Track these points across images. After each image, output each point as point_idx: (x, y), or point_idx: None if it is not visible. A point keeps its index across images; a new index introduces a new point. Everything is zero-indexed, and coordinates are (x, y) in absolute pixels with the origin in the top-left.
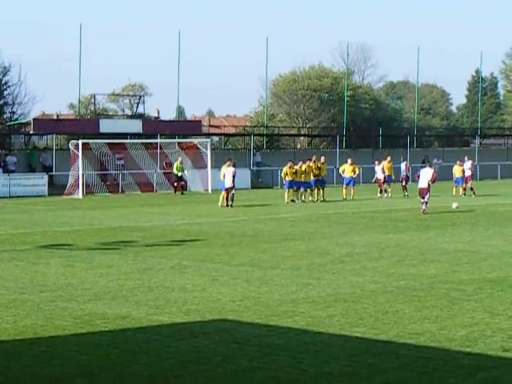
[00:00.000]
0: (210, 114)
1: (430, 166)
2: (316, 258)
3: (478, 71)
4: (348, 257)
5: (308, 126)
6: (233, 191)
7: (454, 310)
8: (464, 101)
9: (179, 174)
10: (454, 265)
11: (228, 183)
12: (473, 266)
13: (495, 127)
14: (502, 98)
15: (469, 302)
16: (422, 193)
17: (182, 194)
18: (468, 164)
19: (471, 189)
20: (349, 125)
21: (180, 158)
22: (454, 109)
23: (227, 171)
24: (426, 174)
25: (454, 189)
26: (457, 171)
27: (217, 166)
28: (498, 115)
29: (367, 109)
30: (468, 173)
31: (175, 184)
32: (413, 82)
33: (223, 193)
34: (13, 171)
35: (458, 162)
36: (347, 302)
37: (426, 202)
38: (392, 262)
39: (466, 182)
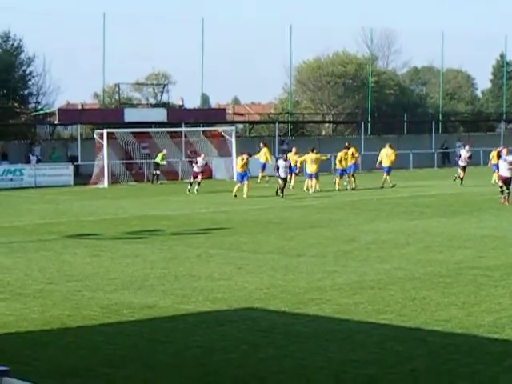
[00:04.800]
0: (235, 101)
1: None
2: (342, 245)
3: (502, 55)
4: (374, 244)
5: (332, 112)
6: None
7: (481, 296)
8: (489, 85)
9: (162, 163)
10: (481, 250)
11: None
12: (499, 252)
13: None
14: None
15: (496, 288)
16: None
17: (152, 182)
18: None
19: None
20: (373, 111)
21: (165, 150)
22: (479, 93)
23: (280, 164)
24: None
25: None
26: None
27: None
28: None
29: (392, 94)
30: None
31: (157, 172)
32: (437, 67)
33: (241, 183)
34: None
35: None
36: (374, 289)
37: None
38: (418, 248)
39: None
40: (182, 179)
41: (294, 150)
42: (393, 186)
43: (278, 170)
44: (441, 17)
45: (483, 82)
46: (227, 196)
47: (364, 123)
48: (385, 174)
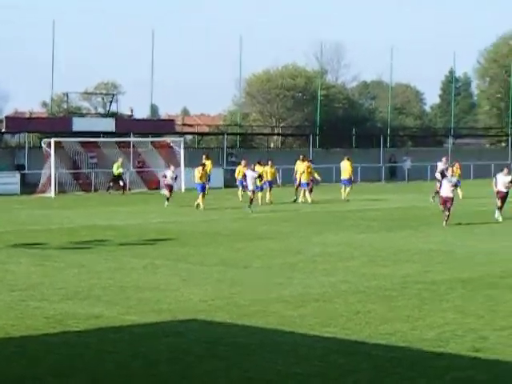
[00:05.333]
0: (185, 112)
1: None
2: (289, 258)
3: (451, 71)
4: (320, 256)
5: (281, 125)
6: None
7: (426, 310)
8: (438, 100)
9: (118, 174)
10: (427, 265)
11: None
12: (445, 266)
13: (468, 127)
14: (475, 97)
15: (440, 303)
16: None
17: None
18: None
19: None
20: (322, 124)
21: (120, 159)
22: (427, 108)
23: (248, 174)
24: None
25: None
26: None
27: (190, 165)
28: (471, 115)
29: (341, 108)
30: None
31: (111, 184)
32: (386, 82)
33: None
34: None
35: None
36: (318, 301)
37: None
38: (364, 261)
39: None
40: (129, 189)
41: (243, 162)
42: (347, 201)
43: (245, 180)
44: (391, 32)
45: (432, 97)
46: (175, 207)
47: (313, 136)
48: (344, 187)
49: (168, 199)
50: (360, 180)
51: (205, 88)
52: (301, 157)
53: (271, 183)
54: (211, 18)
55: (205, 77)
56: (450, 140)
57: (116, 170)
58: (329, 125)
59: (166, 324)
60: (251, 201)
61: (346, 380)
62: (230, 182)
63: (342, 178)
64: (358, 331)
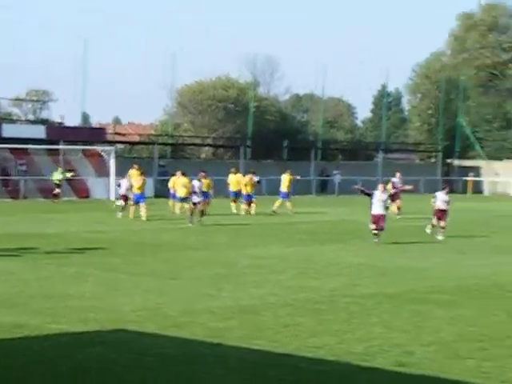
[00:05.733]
0: (116, 121)
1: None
2: (219, 269)
3: (383, 86)
4: (251, 268)
5: (213, 136)
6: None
7: (354, 323)
8: (369, 115)
9: (60, 180)
10: (356, 278)
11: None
12: (373, 281)
13: (399, 142)
14: (406, 113)
15: (368, 317)
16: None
17: (54, 201)
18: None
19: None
20: (254, 136)
21: (60, 169)
22: (359, 122)
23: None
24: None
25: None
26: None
27: (120, 173)
28: (402, 130)
29: (273, 121)
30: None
31: (55, 192)
32: (318, 95)
33: (136, 205)
34: None
35: (397, 174)
36: (247, 313)
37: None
38: (294, 274)
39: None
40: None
41: (178, 173)
42: (293, 212)
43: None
44: (324, 46)
45: (364, 112)
46: (105, 216)
47: (244, 148)
48: (285, 201)
49: (123, 209)
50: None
51: (137, 97)
52: (233, 169)
53: (207, 195)
54: (145, 28)
55: (137, 86)
56: (381, 154)
57: (57, 176)
58: (260, 137)
59: (93, 333)
60: (202, 212)
61: None
62: (160, 192)
63: (281, 190)
64: (286, 344)
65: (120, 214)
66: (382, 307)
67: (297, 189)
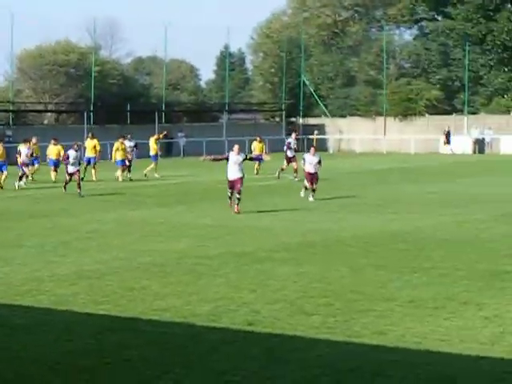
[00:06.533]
0: None
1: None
2: (62, 236)
3: (226, 46)
4: (94, 233)
5: (55, 101)
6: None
7: (200, 285)
8: (213, 76)
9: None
10: (202, 240)
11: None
12: (219, 241)
13: (244, 102)
14: (250, 73)
15: (214, 277)
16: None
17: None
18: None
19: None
20: (97, 100)
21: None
22: (202, 84)
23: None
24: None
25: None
26: (257, 147)
27: None
28: (246, 90)
29: (115, 84)
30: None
31: None
32: (161, 58)
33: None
34: None
35: (257, 139)
36: (92, 279)
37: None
38: (138, 237)
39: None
40: None
41: (34, 139)
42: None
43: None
44: (165, 7)
45: (207, 73)
46: None
47: (87, 113)
48: (153, 164)
49: (21, 178)
50: (135, 156)
51: None
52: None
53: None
54: None
55: None
56: (225, 115)
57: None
58: (103, 101)
59: None
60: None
61: (119, 357)
62: None
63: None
64: (132, 308)
65: (18, 184)
66: (229, 267)
67: (142, 153)
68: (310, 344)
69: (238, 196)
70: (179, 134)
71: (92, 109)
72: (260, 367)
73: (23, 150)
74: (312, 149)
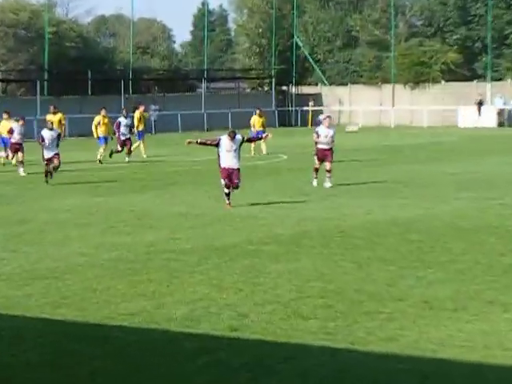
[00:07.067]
0: None
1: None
2: (12, 227)
3: (204, 3)
4: (50, 224)
5: (2, 68)
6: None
7: (175, 284)
8: (189, 38)
9: None
10: (176, 231)
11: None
12: (196, 232)
13: (226, 69)
14: (232, 33)
15: (191, 275)
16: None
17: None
18: None
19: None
20: (52, 67)
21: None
22: (177, 47)
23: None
24: None
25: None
26: (257, 123)
27: None
28: (228, 54)
29: (74, 48)
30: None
31: None
32: (127, 16)
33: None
34: None
35: (257, 112)
36: (48, 278)
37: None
38: (103, 229)
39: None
40: None
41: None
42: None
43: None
44: None
45: (182, 34)
46: None
47: (40, 82)
48: (138, 142)
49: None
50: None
51: None
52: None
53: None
54: None
55: None
56: (204, 84)
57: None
58: (59, 68)
59: None
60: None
61: (82, 369)
62: None
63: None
64: (95, 312)
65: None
66: (209, 263)
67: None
68: (307, 352)
69: (227, 191)
70: (152, 107)
71: (46, 77)
72: (247, 380)
73: None
74: (327, 119)
